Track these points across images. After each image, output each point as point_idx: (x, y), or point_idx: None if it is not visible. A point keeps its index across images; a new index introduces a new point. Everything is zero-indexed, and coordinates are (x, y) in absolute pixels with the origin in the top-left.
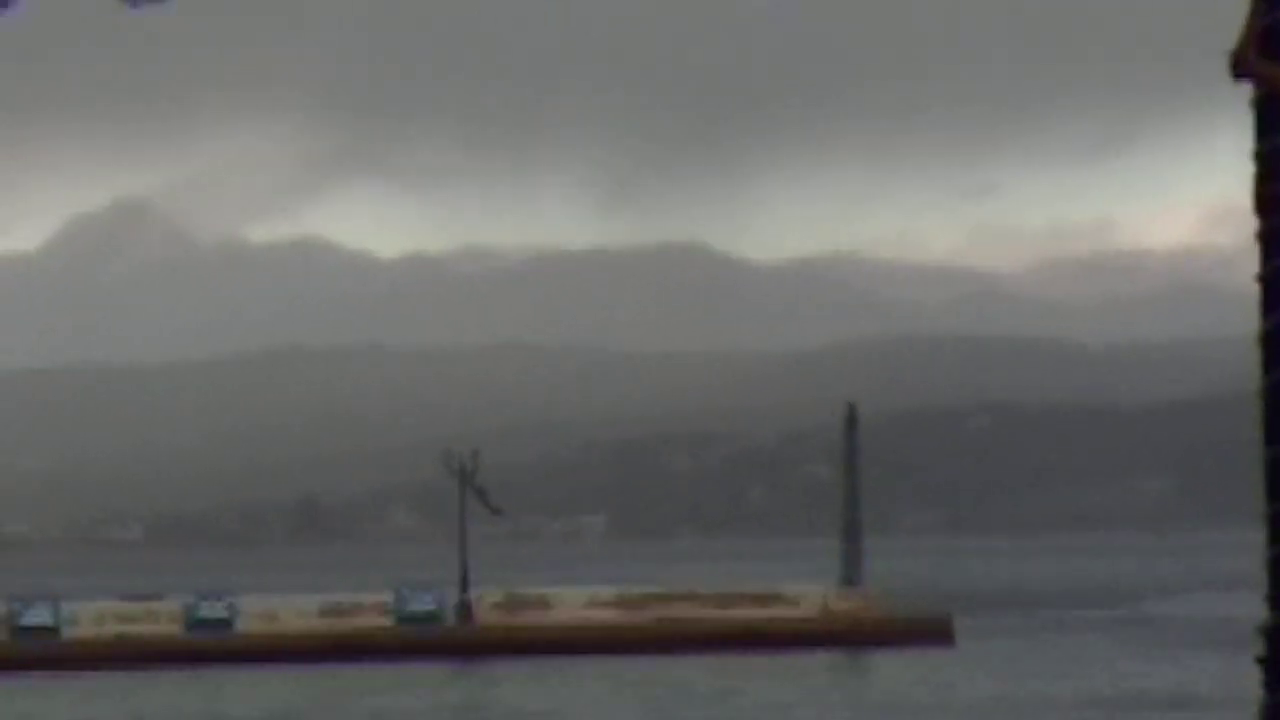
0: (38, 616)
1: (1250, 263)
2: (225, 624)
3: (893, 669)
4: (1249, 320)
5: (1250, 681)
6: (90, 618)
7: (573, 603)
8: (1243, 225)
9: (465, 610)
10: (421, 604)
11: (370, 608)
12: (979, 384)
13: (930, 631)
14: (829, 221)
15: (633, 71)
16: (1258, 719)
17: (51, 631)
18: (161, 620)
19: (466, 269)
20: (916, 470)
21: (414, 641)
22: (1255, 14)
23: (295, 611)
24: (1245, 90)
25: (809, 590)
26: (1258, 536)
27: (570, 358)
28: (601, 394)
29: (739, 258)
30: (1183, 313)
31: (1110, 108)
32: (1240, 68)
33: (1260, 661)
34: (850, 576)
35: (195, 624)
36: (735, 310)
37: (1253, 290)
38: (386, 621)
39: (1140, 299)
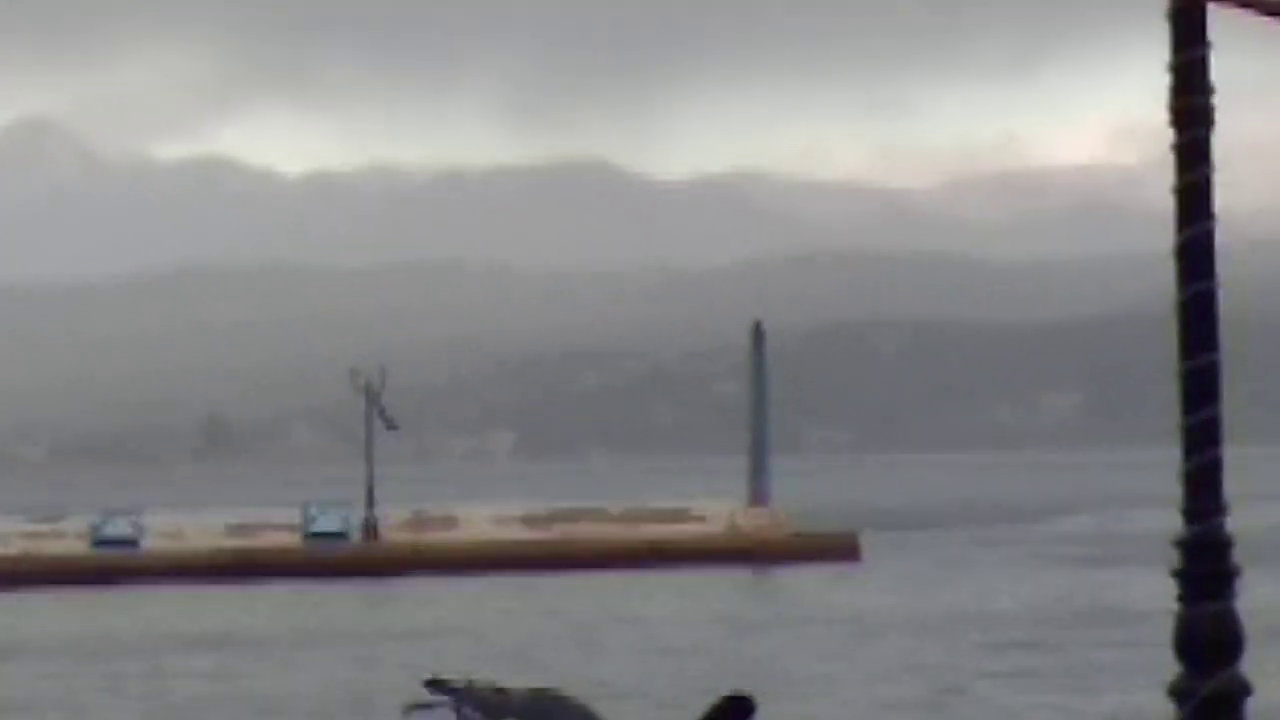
0: None
1: (1156, 180)
2: (131, 542)
3: (799, 585)
4: (1155, 237)
5: (1163, 596)
6: None
7: (479, 521)
8: (1149, 143)
9: (371, 528)
10: (328, 522)
11: (277, 526)
12: (886, 301)
13: (837, 548)
14: (736, 139)
15: None
16: (1175, 631)
17: None
18: (67, 538)
19: (372, 187)
20: (824, 388)
21: (320, 560)
22: None
23: (201, 530)
24: (1157, 5)
25: (716, 507)
26: (1165, 453)
27: (477, 276)
28: (509, 312)
29: (645, 175)
30: (1089, 230)
31: (1021, 25)
32: None
33: (1177, 575)
34: (757, 494)
35: (101, 542)
36: (642, 228)
37: (1159, 207)
38: (293, 540)
39: (1047, 216)
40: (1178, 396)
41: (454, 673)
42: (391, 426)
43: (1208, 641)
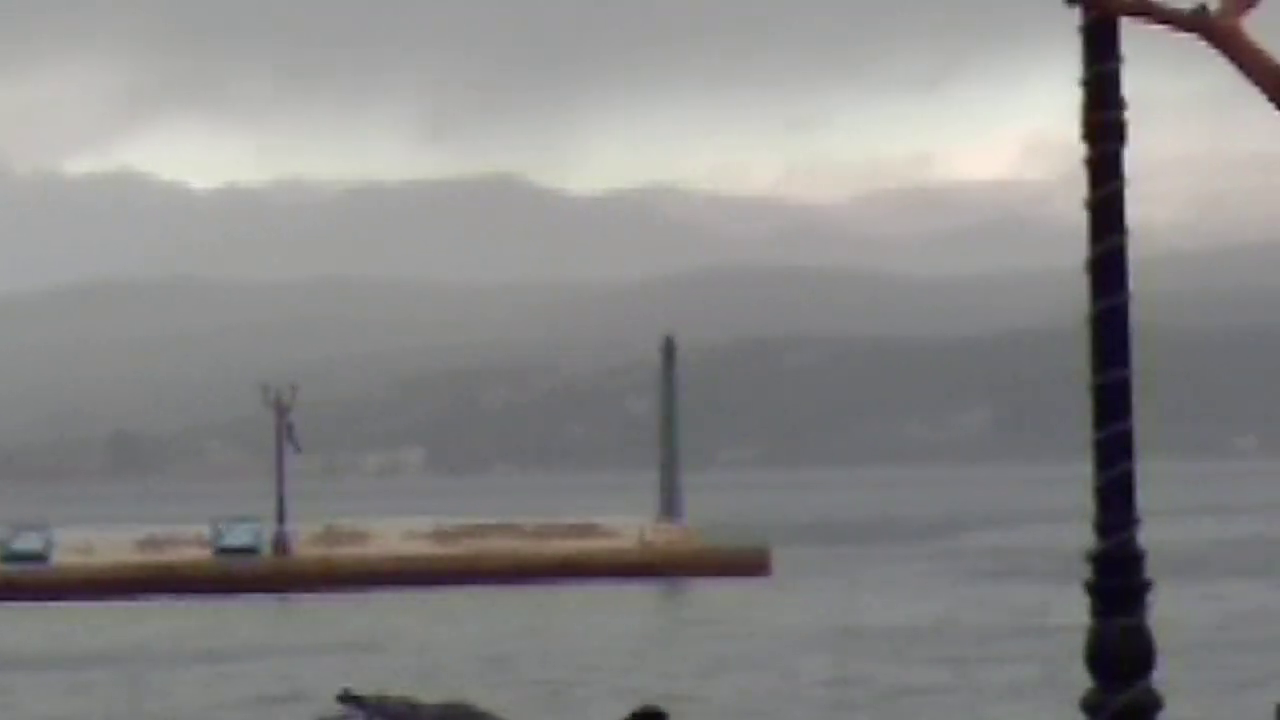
0: None
1: (1067, 195)
2: (40, 557)
3: (709, 599)
4: (1065, 253)
5: (1073, 610)
6: None
7: (390, 535)
8: (1059, 158)
9: (282, 543)
10: (238, 537)
11: (187, 541)
12: (797, 317)
13: (747, 563)
14: (649, 155)
15: (456, 5)
16: (1086, 645)
17: None
18: None
19: (283, 201)
20: (735, 403)
21: (231, 575)
22: None
23: (111, 544)
24: (1066, 24)
25: (626, 523)
26: (1074, 468)
27: (388, 291)
28: (419, 328)
29: (557, 190)
30: (999, 246)
31: (934, 42)
32: None
33: (1089, 588)
34: (668, 509)
35: (9, 557)
36: (553, 243)
37: (1067, 223)
38: (204, 554)
39: (958, 232)
40: (1090, 411)
41: (366, 687)
42: (297, 449)
43: (1119, 655)
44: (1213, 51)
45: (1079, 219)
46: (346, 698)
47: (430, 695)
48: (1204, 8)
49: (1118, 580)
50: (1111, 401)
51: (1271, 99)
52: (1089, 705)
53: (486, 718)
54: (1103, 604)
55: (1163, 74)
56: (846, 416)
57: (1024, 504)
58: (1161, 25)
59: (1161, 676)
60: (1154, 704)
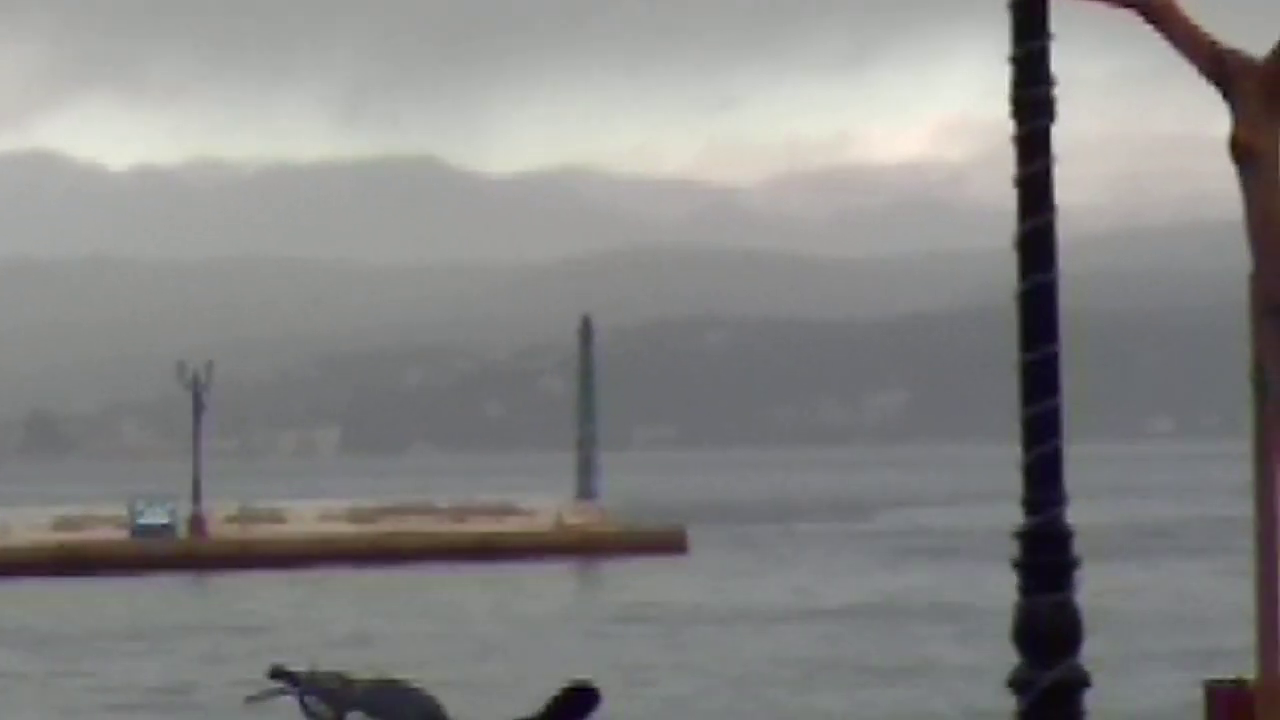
0: None
1: (981, 177)
2: None
3: (625, 579)
4: (979, 234)
5: (989, 589)
6: None
7: (306, 516)
8: (976, 139)
9: (198, 523)
10: (154, 517)
11: (103, 521)
12: (713, 298)
13: (664, 543)
14: (567, 136)
15: None
16: (1014, 622)
17: None
18: None
19: (200, 181)
20: (652, 384)
21: (147, 554)
22: None
23: (27, 524)
24: (987, 5)
25: (544, 503)
26: (989, 450)
27: (304, 271)
28: (336, 308)
29: (474, 171)
30: (915, 227)
31: (854, 24)
32: None
33: (1017, 566)
34: (585, 490)
35: None
36: (470, 224)
37: (984, 204)
38: (120, 534)
39: (875, 213)
40: (1018, 388)
41: (296, 663)
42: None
43: (1047, 632)
44: (1147, 27)
45: (995, 200)
46: (278, 673)
47: (362, 671)
48: None
49: (1046, 557)
50: (1040, 378)
51: (1204, 74)
52: (1016, 682)
53: (418, 693)
54: (1031, 581)
55: (1077, 56)
56: (763, 397)
57: (940, 484)
58: (1098, 1)
59: (1089, 654)
60: (1081, 681)
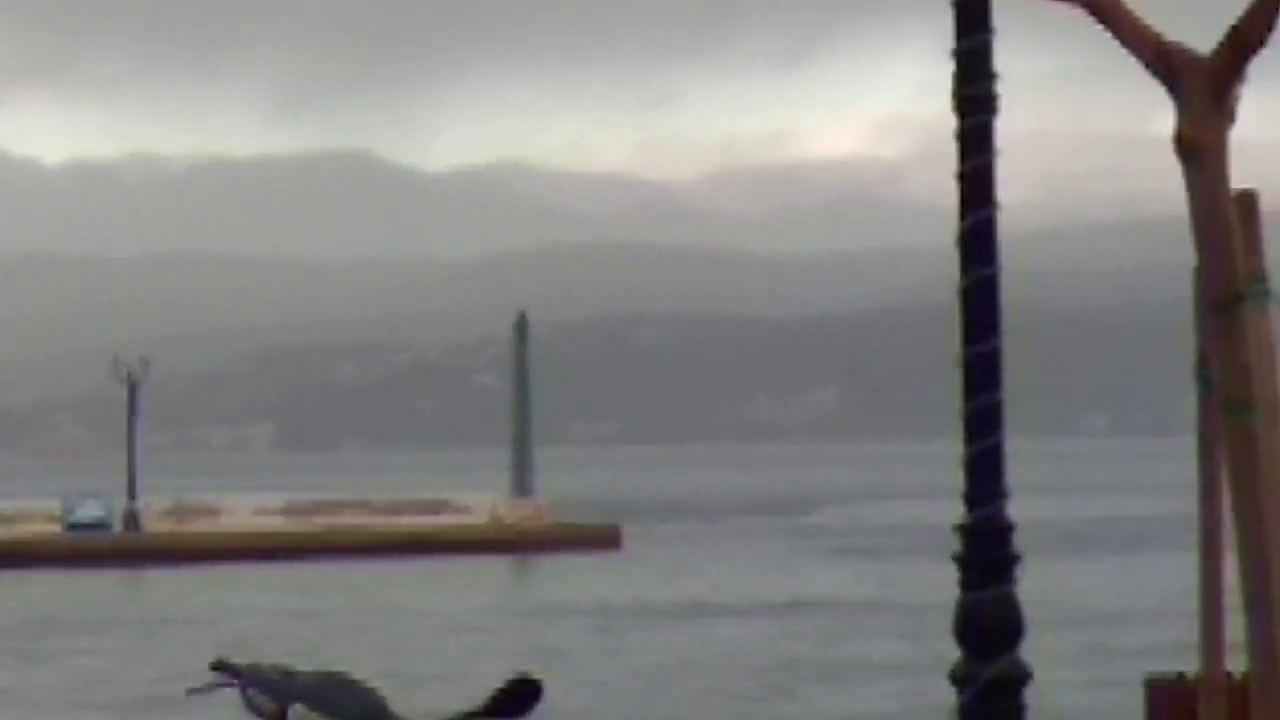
0: None
1: (917, 174)
2: None
3: (559, 574)
4: (914, 231)
5: (929, 585)
6: None
7: (241, 511)
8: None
9: (133, 518)
10: (89, 512)
11: (38, 516)
12: (649, 294)
13: (599, 539)
14: (501, 131)
15: None
16: (955, 616)
17: None
18: None
19: (134, 176)
20: (586, 380)
21: (82, 549)
22: None
23: None
24: (920, 7)
25: (479, 498)
26: (922, 447)
27: (239, 266)
28: (270, 303)
29: (408, 166)
30: (849, 224)
31: (792, 19)
32: None
33: (958, 560)
34: (520, 485)
35: None
36: (405, 219)
37: (918, 201)
38: (54, 529)
39: (808, 210)
40: (959, 383)
41: (240, 655)
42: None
43: (989, 626)
44: (1089, 22)
45: (931, 197)
46: (220, 665)
47: (304, 664)
48: None
49: (987, 552)
50: (981, 373)
51: (1150, 69)
52: (958, 677)
53: (361, 686)
54: (972, 575)
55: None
56: (697, 394)
57: (873, 481)
58: None
59: (1029, 648)
60: (1023, 675)
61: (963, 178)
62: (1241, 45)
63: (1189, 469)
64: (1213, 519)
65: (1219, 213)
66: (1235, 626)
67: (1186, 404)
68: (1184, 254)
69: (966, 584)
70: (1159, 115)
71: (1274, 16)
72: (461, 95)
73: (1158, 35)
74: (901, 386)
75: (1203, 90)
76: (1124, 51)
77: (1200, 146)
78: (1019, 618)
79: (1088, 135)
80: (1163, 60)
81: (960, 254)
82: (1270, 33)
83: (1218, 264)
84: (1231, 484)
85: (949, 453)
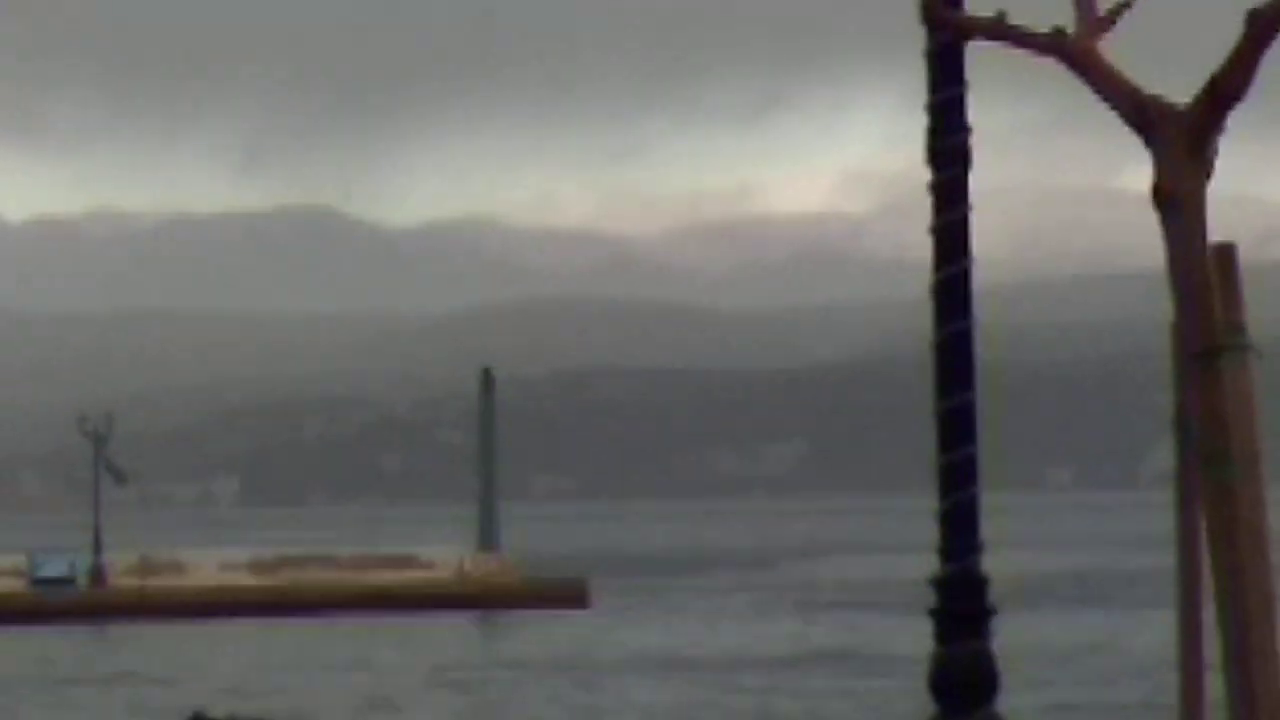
0: None
1: (880, 229)
2: None
3: (526, 630)
4: (877, 286)
5: (896, 640)
6: None
7: (206, 566)
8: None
9: (98, 574)
10: (54, 568)
11: (2, 571)
12: (613, 349)
13: (566, 594)
14: (468, 188)
15: (278, 39)
16: (930, 670)
17: None
18: None
19: (98, 232)
20: (550, 435)
21: (47, 605)
22: None
23: None
24: (889, 58)
25: (445, 553)
26: (887, 501)
27: (204, 322)
28: (235, 359)
29: (374, 222)
30: (813, 279)
31: (757, 75)
32: (930, 14)
33: (932, 613)
34: (486, 540)
35: None
36: (369, 275)
37: (882, 256)
38: (19, 585)
39: (773, 265)
40: (935, 436)
41: (214, 708)
42: (121, 480)
43: (964, 680)
44: (1063, 74)
45: (893, 251)
46: (198, 717)
47: (278, 718)
48: (1061, 30)
49: (962, 605)
50: (956, 427)
51: (1128, 122)
52: None
53: None
54: (947, 628)
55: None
56: (661, 449)
57: (838, 535)
58: (1018, 47)
59: (1004, 703)
60: None
61: (937, 231)
62: (1220, 97)
63: (1156, 522)
64: (1192, 573)
65: (1196, 265)
66: (1215, 683)
67: (1152, 457)
68: (1148, 308)
69: (942, 637)
70: (1124, 169)
71: (1252, 68)
72: (426, 150)
73: (1135, 87)
74: (866, 440)
75: (1180, 142)
76: (1087, 105)
77: (1177, 199)
78: (994, 671)
79: (1050, 190)
80: (1140, 112)
81: (934, 308)
82: (1248, 85)
83: (1195, 317)
84: (1210, 538)
85: (915, 506)
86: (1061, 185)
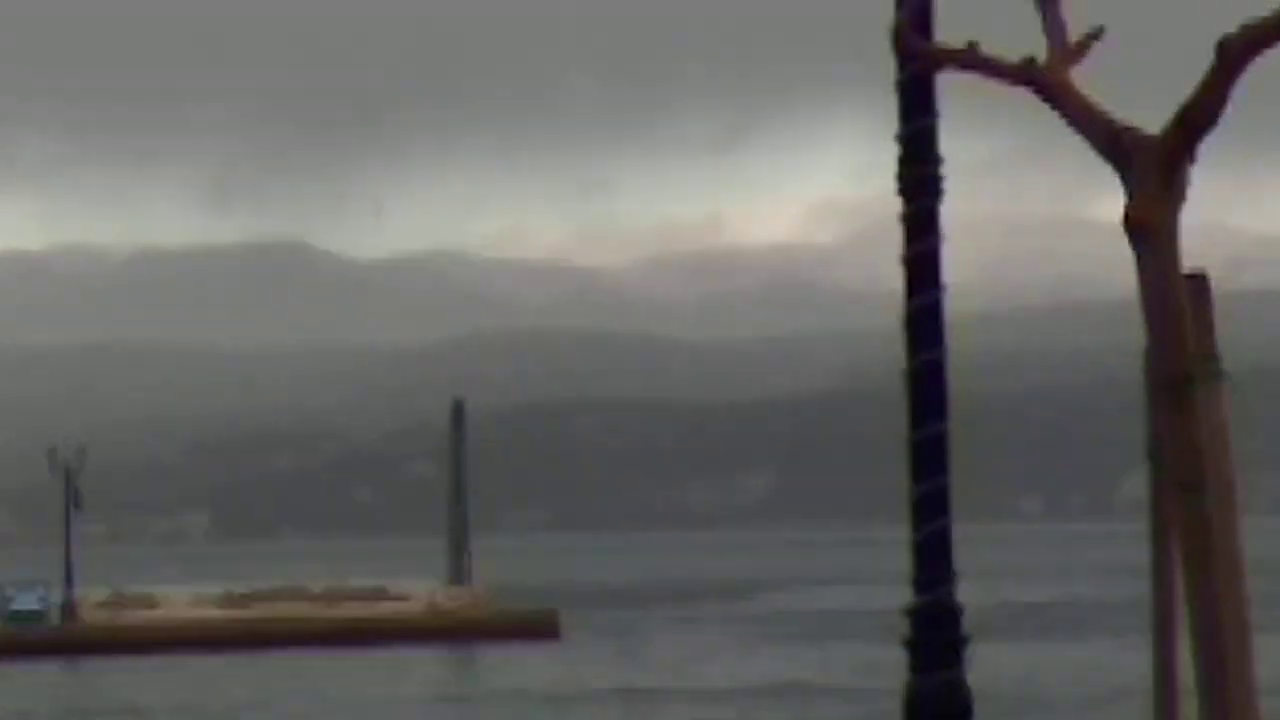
0: None
1: (849, 259)
2: None
3: (498, 663)
4: (846, 316)
5: (870, 670)
6: None
7: (178, 601)
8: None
9: (70, 609)
10: (25, 603)
11: None
12: (583, 381)
13: (537, 627)
14: (437, 221)
15: (245, 72)
16: (903, 700)
17: None
18: None
19: (67, 267)
20: (521, 468)
21: (19, 640)
22: None
23: None
24: (859, 89)
25: (416, 586)
26: (859, 532)
27: (174, 357)
28: (206, 393)
29: (343, 255)
30: (781, 309)
31: (726, 105)
32: (902, 44)
33: (906, 644)
34: (457, 574)
35: None
36: (339, 308)
37: (850, 287)
38: None
39: (741, 296)
40: (907, 467)
41: None
42: (79, 504)
43: (938, 710)
44: (1030, 104)
45: (863, 282)
46: None
47: None
48: (1033, 60)
49: (936, 635)
50: (928, 457)
51: (1100, 151)
52: None
53: None
54: (920, 659)
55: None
56: (631, 481)
57: (809, 566)
58: (989, 77)
59: None
60: None
61: (908, 261)
62: (1191, 125)
63: (1125, 552)
64: (1167, 602)
65: (1170, 294)
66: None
67: (1121, 486)
68: (1116, 337)
69: (915, 667)
70: (1091, 199)
71: (1223, 98)
72: (397, 183)
73: (1108, 116)
74: (836, 471)
75: (1153, 171)
76: (1054, 135)
77: (1149, 227)
78: (968, 701)
79: (1015, 221)
80: (1112, 141)
81: (906, 338)
82: (1219, 114)
83: (1169, 345)
84: (1185, 566)
85: (885, 537)
86: (1028, 215)
